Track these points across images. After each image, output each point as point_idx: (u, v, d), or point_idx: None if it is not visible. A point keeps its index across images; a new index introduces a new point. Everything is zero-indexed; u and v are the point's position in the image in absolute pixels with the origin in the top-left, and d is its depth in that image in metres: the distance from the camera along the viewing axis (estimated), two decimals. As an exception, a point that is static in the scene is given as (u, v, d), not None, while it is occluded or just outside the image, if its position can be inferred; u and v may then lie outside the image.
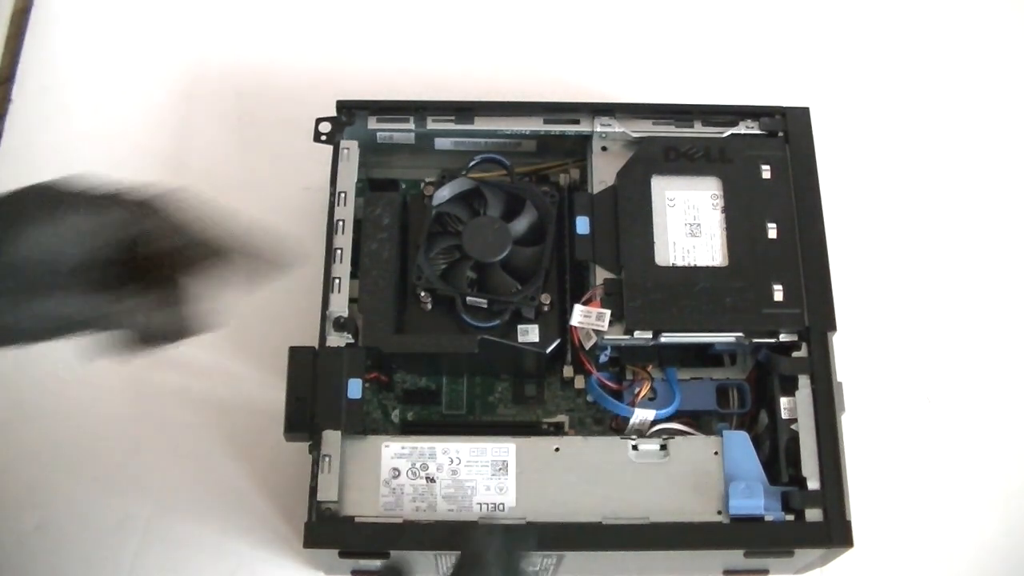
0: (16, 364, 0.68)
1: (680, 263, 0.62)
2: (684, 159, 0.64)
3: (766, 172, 0.64)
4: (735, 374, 0.64)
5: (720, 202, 0.63)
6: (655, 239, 0.62)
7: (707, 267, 0.62)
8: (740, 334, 0.60)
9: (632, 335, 0.60)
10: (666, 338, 0.60)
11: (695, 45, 0.83)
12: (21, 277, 0.44)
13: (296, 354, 0.59)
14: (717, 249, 0.62)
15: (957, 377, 0.72)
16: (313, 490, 0.56)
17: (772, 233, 0.62)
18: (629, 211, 0.63)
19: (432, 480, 0.57)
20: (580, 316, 0.60)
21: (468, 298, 0.62)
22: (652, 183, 0.64)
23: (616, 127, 0.66)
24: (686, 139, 0.65)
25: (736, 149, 0.65)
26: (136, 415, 0.69)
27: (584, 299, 0.61)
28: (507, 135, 0.67)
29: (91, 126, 0.79)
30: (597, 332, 0.60)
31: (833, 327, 0.60)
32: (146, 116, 0.80)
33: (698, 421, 0.63)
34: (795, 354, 0.60)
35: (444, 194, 0.66)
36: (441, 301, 0.63)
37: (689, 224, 0.63)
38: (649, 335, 0.60)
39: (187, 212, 0.46)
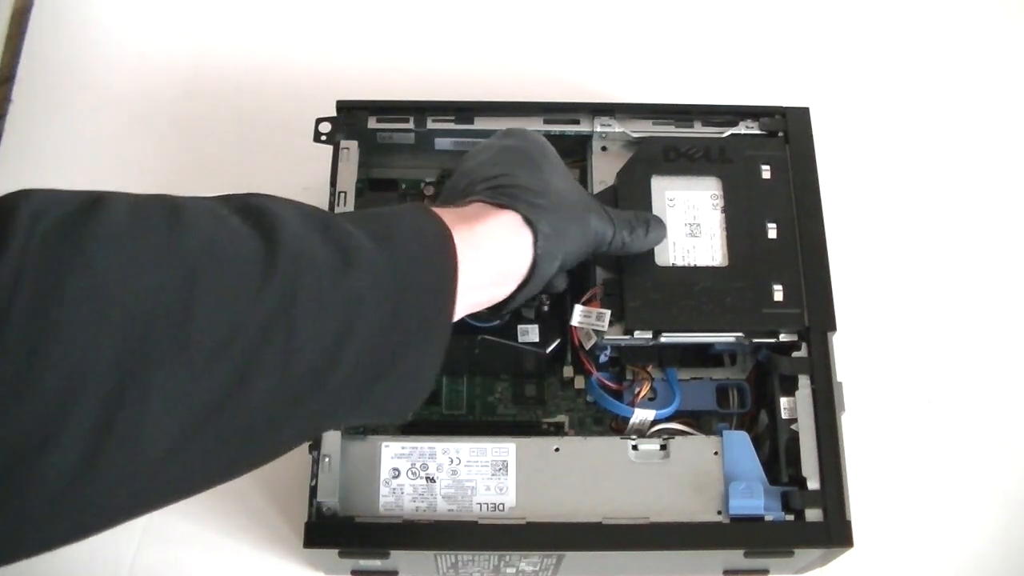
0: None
1: (680, 263, 0.62)
2: (684, 159, 0.64)
3: (766, 172, 0.64)
4: (735, 374, 0.64)
5: (720, 202, 0.63)
6: (655, 239, 0.62)
7: (707, 267, 0.62)
8: (740, 334, 0.60)
9: (632, 335, 0.60)
10: (666, 338, 0.60)
11: (695, 45, 0.83)
12: None
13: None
14: (717, 249, 0.62)
15: (958, 378, 0.72)
16: (313, 490, 0.56)
17: (772, 233, 0.62)
18: (629, 211, 0.63)
19: (432, 480, 0.57)
20: (580, 316, 0.60)
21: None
22: (652, 183, 0.64)
23: (616, 127, 0.66)
24: (686, 139, 0.65)
25: (736, 149, 0.65)
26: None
27: (584, 299, 0.61)
28: (507, 135, 0.67)
29: (91, 126, 0.79)
30: (597, 332, 0.60)
31: (833, 327, 0.60)
32: (146, 116, 0.80)
33: (698, 421, 0.63)
34: (795, 354, 0.60)
35: (444, 194, 0.66)
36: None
37: (689, 224, 0.63)
38: (649, 335, 0.60)
39: None
